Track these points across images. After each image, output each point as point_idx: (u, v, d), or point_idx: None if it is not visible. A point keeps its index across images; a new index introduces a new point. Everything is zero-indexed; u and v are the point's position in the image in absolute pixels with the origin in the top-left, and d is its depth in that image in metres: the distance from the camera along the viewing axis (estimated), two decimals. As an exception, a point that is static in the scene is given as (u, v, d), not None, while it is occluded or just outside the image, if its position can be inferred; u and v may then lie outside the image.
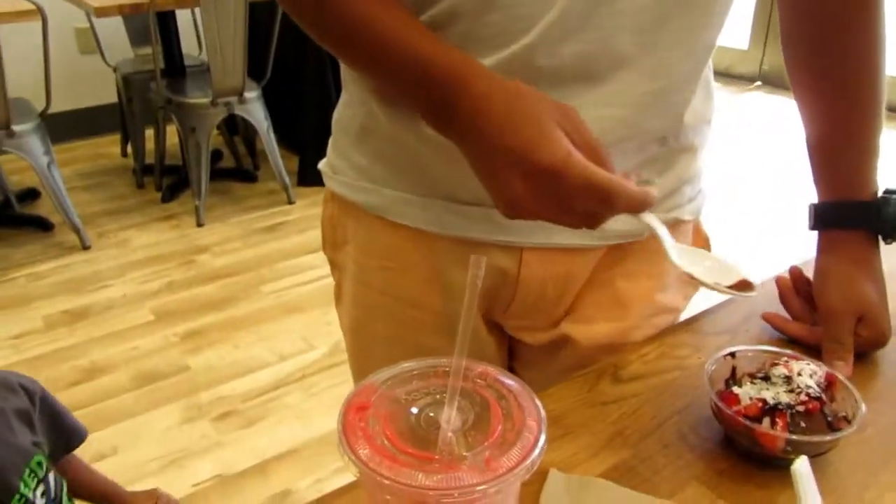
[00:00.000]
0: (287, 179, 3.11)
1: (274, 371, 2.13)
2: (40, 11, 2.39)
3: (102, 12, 2.56)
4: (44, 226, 2.89)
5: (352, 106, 0.73)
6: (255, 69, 2.91)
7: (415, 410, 0.42)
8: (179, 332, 2.30)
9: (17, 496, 0.88)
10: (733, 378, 0.64)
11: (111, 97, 3.43)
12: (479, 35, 0.60)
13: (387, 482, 0.39)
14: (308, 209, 3.11)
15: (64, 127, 3.33)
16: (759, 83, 4.36)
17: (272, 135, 3.02)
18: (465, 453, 0.41)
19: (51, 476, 0.94)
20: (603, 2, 0.58)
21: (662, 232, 0.56)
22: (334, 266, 0.83)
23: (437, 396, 0.43)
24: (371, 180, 0.73)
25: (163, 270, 2.64)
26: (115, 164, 3.50)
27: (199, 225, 2.93)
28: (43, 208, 3.01)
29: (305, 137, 3.27)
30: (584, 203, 0.52)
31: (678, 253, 0.56)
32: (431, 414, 0.42)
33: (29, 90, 2.72)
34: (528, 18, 0.58)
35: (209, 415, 1.95)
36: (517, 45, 0.59)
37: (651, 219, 0.56)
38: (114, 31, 3.31)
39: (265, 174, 3.35)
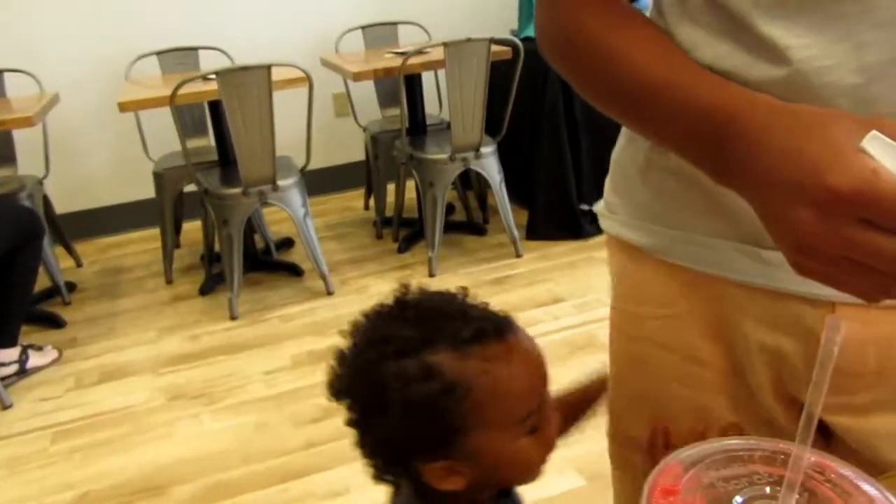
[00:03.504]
0: (516, 233, 3.13)
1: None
2: (308, 79, 2.67)
3: (360, 77, 2.84)
4: (296, 272, 3.16)
5: (634, 141, 0.68)
6: (490, 126, 2.99)
7: (738, 501, 0.34)
8: (410, 378, 2.36)
9: None
10: None
11: (359, 155, 3.73)
12: None
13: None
14: (535, 262, 3.09)
15: (318, 182, 3.66)
16: None
17: (504, 189, 3.07)
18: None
19: None
20: None
21: None
22: None
23: (767, 489, 0.34)
24: (651, 218, 0.66)
25: (397, 318, 2.74)
26: (358, 217, 3.77)
27: (431, 275, 3.03)
28: (296, 255, 3.31)
29: (535, 192, 3.29)
30: None
31: None
32: (762, 510, 0.34)
33: (292, 149, 3.02)
34: None
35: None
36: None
37: None
38: (365, 95, 3.62)
39: (494, 228, 3.41)
